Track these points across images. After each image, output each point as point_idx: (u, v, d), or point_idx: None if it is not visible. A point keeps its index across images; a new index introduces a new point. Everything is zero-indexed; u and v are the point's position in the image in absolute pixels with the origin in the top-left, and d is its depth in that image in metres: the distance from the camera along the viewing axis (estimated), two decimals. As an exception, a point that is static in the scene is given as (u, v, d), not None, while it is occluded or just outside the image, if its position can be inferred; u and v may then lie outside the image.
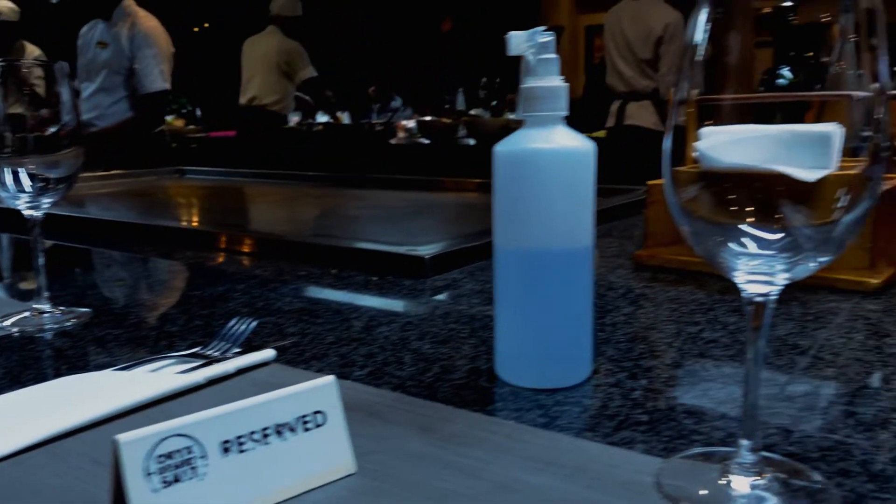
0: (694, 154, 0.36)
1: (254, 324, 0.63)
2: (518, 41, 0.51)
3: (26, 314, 0.73)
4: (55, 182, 0.71)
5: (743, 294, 0.37)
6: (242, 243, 1.12)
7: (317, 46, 4.37)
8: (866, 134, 0.34)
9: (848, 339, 0.63)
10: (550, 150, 0.50)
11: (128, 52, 2.80)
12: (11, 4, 3.12)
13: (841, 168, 0.34)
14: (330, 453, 0.40)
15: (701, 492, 0.38)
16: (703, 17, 0.35)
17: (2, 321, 0.71)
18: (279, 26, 4.02)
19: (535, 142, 0.51)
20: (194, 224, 1.55)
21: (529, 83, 0.51)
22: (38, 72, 0.72)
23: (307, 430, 0.39)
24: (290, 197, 1.94)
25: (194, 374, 0.54)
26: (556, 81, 0.51)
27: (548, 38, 0.51)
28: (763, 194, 0.35)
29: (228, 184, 2.24)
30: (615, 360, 0.59)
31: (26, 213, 0.72)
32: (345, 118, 5.11)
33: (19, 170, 0.69)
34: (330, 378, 0.41)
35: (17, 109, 0.70)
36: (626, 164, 1.70)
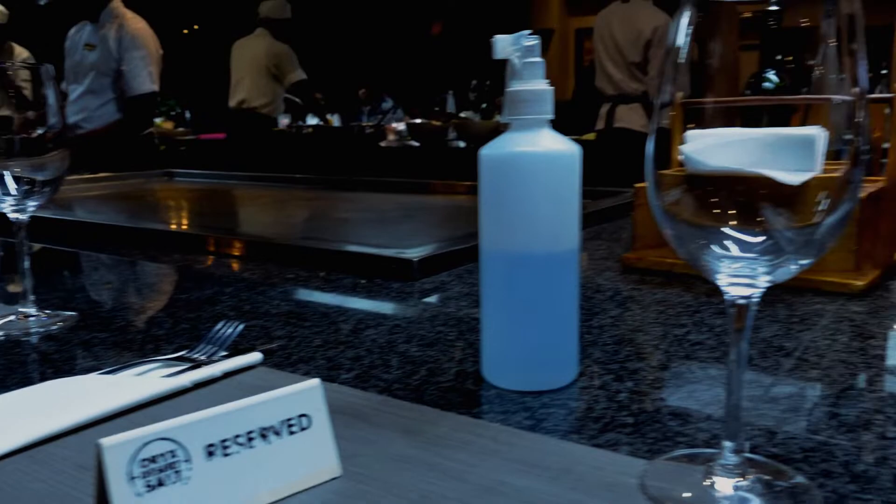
0: (679, 157, 0.36)
1: (241, 327, 0.63)
2: (504, 45, 0.51)
3: (12, 318, 0.72)
4: (41, 185, 0.71)
5: (725, 296, 0.38)
6: (231, 246, 1.12)
7: (306, 48, 4.37)
8: (848, 137, 0.35)
9: (833, 341, 0.63)
10: (535, 153, 0.50)
11: (115, 54, 2.79)
12: (0, 6, 3.10)
13: (825, 171, 0.34)
14: (315, 457, 0.40)
15: (684, 494, 0.38)
16: (684, 20, 0.35)
17: (-13, 325, 0.71)
18: (268, 29, 4.01)
19: (520, 145, 0.51)
20: (183, 227, 1.55)
21: (515, 87, 0.51)
22: (25, 74, 0.72)
23: (292, 433, 0.39)
24: (280, 200, 1.94)
25: (180, 378, 0.53)
26: (542, 85, 0.51)
27: (533, 41, 0.51)
28: (745, 197, 0.35)
29: (218, 186, 2.23)
30: (601, 363, 0.59)
31: (12, 216, 0.71)
32: (335, 121, 5.10)
33: (4, 173, 0.69)
34: (315, 381, 0.41)
35: (4, 112, 0.69)
36: (615, 167, 1.70)
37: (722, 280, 0.37)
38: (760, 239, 0.35)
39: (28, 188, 0.70)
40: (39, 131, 0.70)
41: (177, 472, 0.35)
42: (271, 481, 0.38)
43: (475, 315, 0.73)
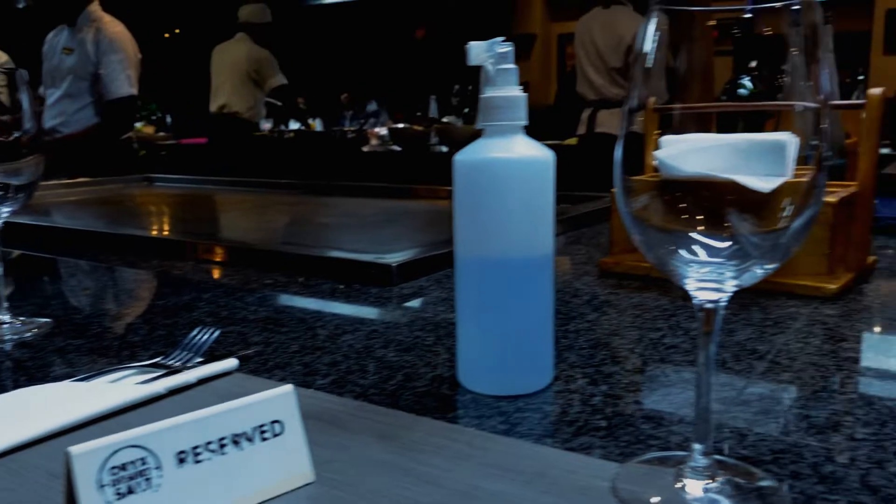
0: (654, 163, 0.37)
1: (216, 333, 0.63)
2: (478, 51, 0.51)
3: (-15, 325, 0.72)
4: (15, 190, 0.70)
5: (694, 301, 0.38)
6: (210, 252, 1.11)
7: (287, 53, 4.36)
8: (814, 143, 0.35)
9: (805, 344, 0.64)
10: (509, 159, 0.51)
11: (93, 58, 2.77)
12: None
13: (794, 176, 0.35)
14: (288, 463, 0.40)
15: (654, 497, 0.39)
16: (651, 26, 0.36)
17: (-41, 332, 0.70)
18: (248, 33, 4.00)
19: (494, 151, 0.51)
20: (163, 233, 1.54)
21: (489, 93, 0.51)
22: (1, 79, 0.71)
23: (265, 439, 0.39)
24: (261, 205, 1.93)
25: (154, 385, 0.53)
26: (516, 91, 0.51)
27: (507, 48, 0.51)
28: (713, 203, 0.35)
29: (198, 192, 2.22)
30: (577, 367, 0.59)
31: (-16, 222, 0.71)
32: (317, 125, 5.09)
33: (-23, 178, 0.68)
34: (288, 387, 0.41)
35: None
36: (596, 172, 1.71)
37: (690, 285, 0.37)
38: (727, 244, 0.35)
39: (2, 193, 0.70)
40: (14, 136, 0.70)
41: (147, 479, 0.35)
42: (244, 488, 0.38)
43: (453, 320, 0.72)
